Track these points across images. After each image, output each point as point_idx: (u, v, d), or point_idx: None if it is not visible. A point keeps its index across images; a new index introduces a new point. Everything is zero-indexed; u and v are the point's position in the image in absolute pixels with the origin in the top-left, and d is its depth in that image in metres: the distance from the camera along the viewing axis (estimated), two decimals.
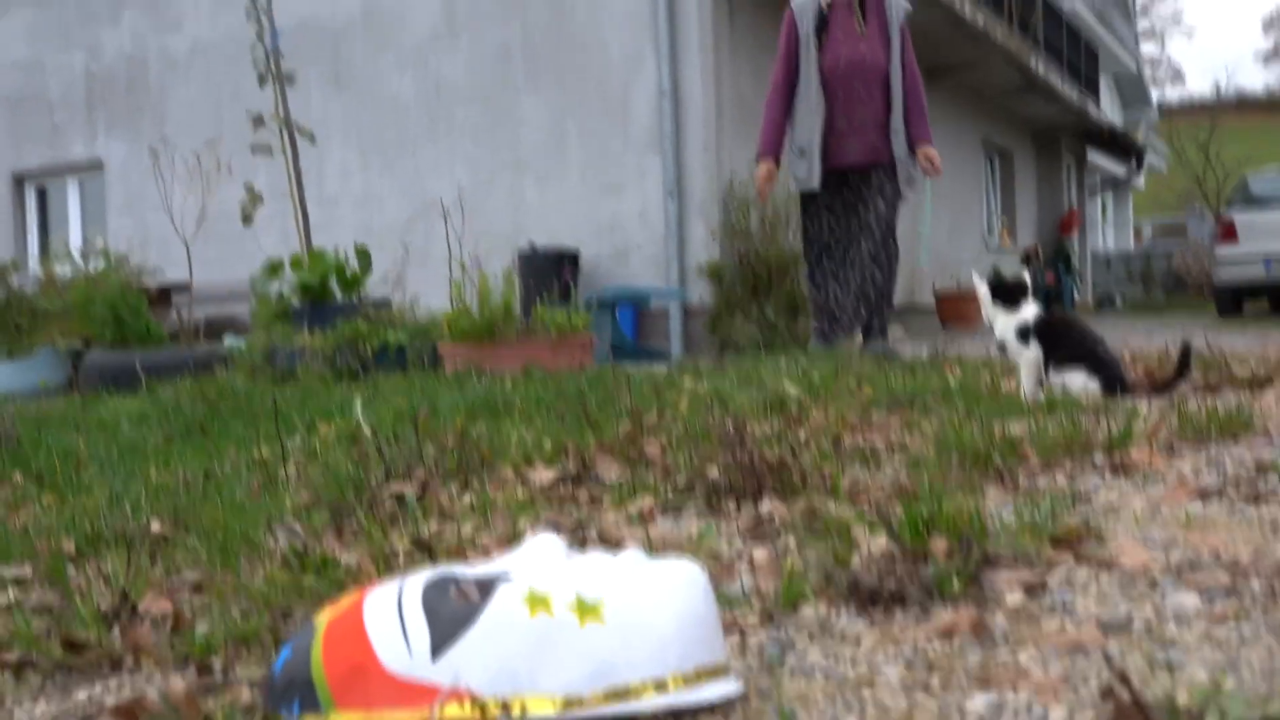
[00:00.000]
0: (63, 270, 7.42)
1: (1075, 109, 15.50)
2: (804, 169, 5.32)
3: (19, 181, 11.97)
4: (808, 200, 5.43)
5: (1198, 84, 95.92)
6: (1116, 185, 22.80)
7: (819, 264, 5.43)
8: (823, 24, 5.29)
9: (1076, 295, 17.67)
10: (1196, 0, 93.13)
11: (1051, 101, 14.72)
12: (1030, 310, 2.78)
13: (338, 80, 9.77)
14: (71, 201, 11.84)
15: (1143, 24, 47.82)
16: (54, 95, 11.52)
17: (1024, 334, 2.78)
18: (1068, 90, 14.72)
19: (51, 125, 11.55)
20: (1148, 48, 51.33)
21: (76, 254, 7.76)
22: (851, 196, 5.35)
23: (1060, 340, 2.74)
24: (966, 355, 5.19)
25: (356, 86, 9.71)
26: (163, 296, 8.02)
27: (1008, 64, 12.31)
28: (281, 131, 5.77)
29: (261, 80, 5.87)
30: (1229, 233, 11.78)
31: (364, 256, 5.76)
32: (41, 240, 12.02)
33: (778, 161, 5.42)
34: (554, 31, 8.81)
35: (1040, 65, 13.25)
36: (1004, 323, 2.82)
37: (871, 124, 5.28)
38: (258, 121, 5.67)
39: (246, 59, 6.25)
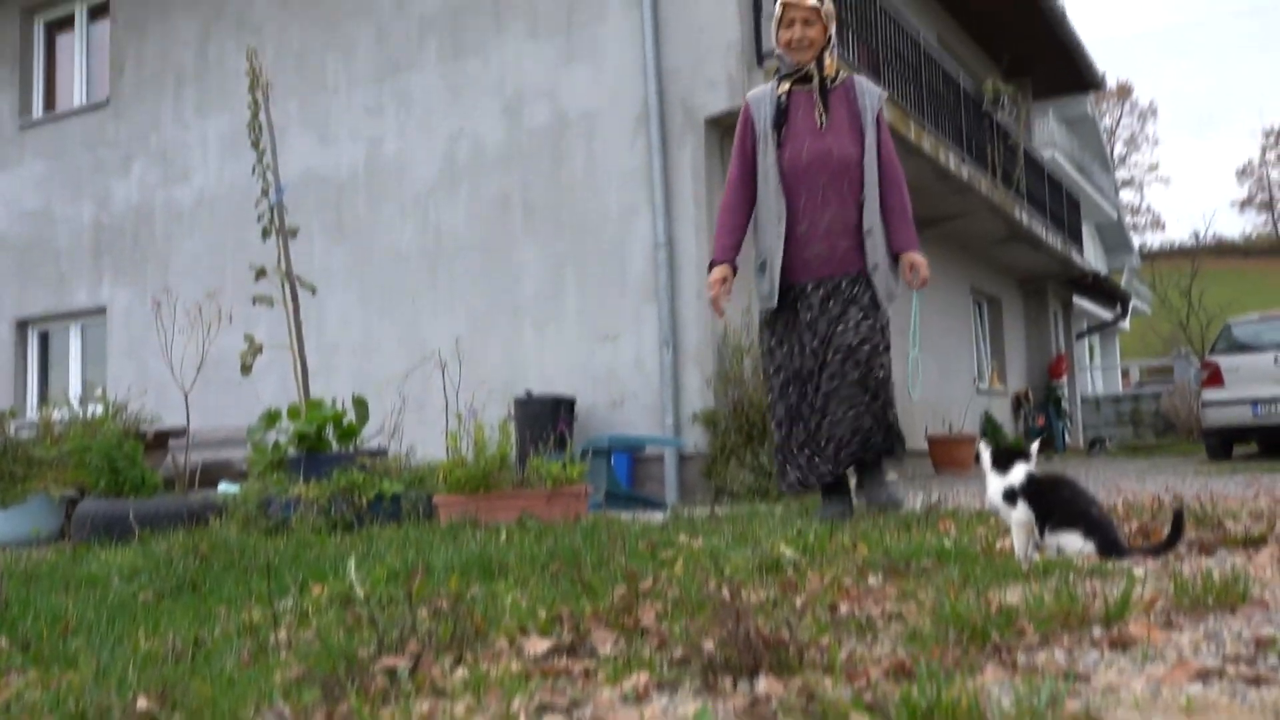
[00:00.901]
0: (61, 414, 7.45)
1: (1060, 257, 15.82)
2: (766, 285, 4.55)
3: (22, 326, 12.10)
4: (768, 321, 4.60)
5: (1177, 230, 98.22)
6: (1103, 329, 23.10)
7: (782, 398, 4.52)
8: (781, 116, 4.55)
9: (1068, 438, 17.72)
10: (1172, 151, 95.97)
11: (1037, 250, 15.04)
12: (1018, 473, 2.80)
13: (340, 229, 9.98)
14: (73, 346, 11.95)
15: (1121, 173, 49.20)
16: (62, 243, 11.75)
17: (1010, 496, 2.80)
18: (1052, 239, 15.06)
19: (58, 273, 11.75)
20: (1127, 195, 52.68)
21: (75, 400, 7.80)
22: (823, 315, 4.47)
23: (1053, 501, 2.75)
24: (961, 505, 5.19)
25: (358, 236, 9.91)
26: (159, 441, 8.02)
27: (993, 214, 12.62)
28: (283, 283, 5.88)
29: (265, 234, 6.01)
30: (1214, 377, 11.90)
31: (361, 406, 5.79)
32: (42, 383, 12.09)
33: (734, 267, 4.64)
34: (552, 183, 9.05)
35: (1024, 215, 13.58)
36: (994, 486, 2.85)
37: (841, 228, 4.47)
38: (260, 273, 5.78)
39: (251, 209, 6.40)
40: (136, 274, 11.14)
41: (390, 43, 9.93)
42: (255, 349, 5.68)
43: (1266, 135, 71.34)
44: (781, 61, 4.62)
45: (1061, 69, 17.60)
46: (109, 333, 11.32)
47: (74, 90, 12.33)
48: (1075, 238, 17.06)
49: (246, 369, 5.74)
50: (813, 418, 4.44)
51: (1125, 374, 29.51)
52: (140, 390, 8.69)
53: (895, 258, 4.55)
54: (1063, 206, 16.37)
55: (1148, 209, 62.42)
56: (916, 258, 4.54)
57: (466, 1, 9.55)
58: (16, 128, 12.27)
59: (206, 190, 10.82)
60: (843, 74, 4.62)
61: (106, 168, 11.53)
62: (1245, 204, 68.28)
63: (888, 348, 4.49)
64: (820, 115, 4.51)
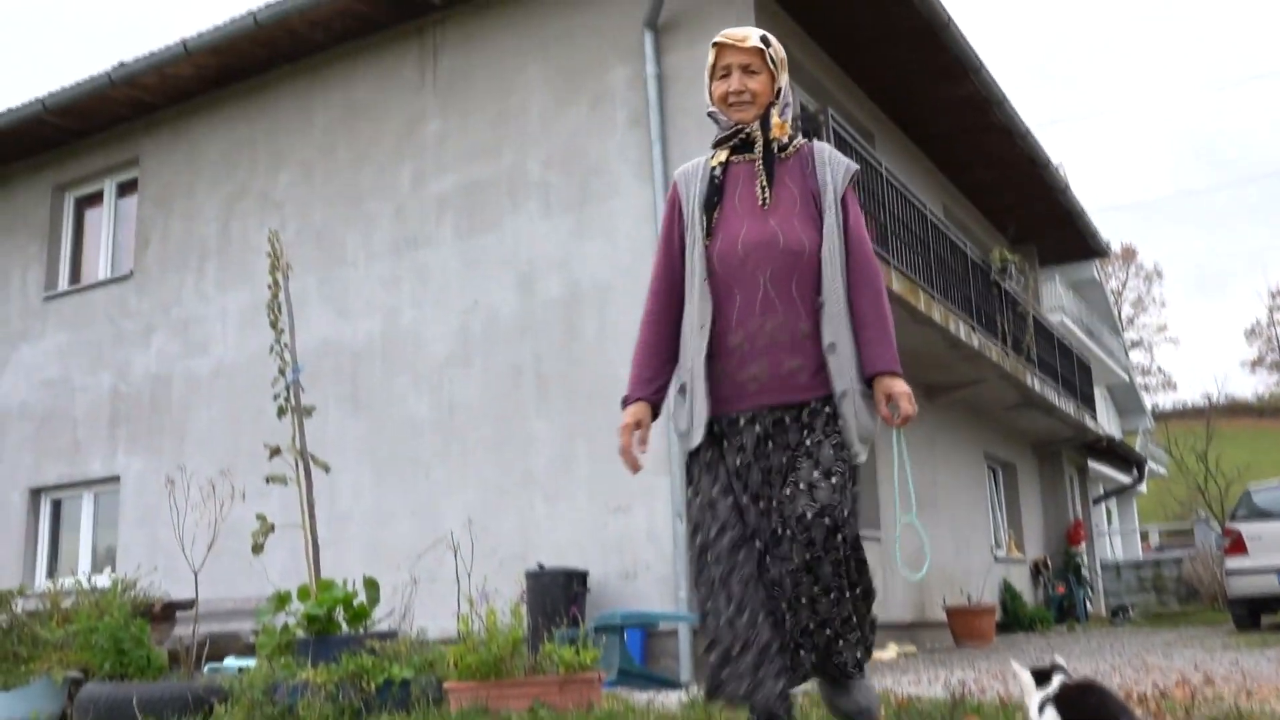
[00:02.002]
0: (69, 583, 7.39)
1: (1073, 422, 15.82)
2: (685, 416, 3.32)
3: (36, 494, 12.13)
4: (692, 464, 3.34)
5: (1189, 390, 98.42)
6: (1120, 493, 22.90)
7: (713, 565, 3.16)
8: (714, 194, 3.38)
9: (1089, 606, 17.37)
10: (1179, 312, 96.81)
11: (1050, 415, 15.06)
12: (1056, 682, 2.76)
13: (355, 400, 10.07)
14: (85, 514, 11.94)
15: (1130, 334, 49.64)
16: (79, 413, 11.86)
17: (1041, 707, 2.75)
18: (1064, 404, 15.09)
19: (74, 441, 11.83)
20: (1137, 356, 53.05)
21: (85, 570, 7.72)
22: (760, 462, 3.21)
23: (1085, 710, 2.68)
24: (986, 690, 5.05)
25: (373, 406, 9.99)
26: (166, 614, 7.93)
27: (1005, 381, 12.69)
28: (298, 462, 5.90)
29: (281, 412, 6.07)
30: (1237, 546, 11.74)
31: (372, 588, 5.73)
32: (52, 552, 12.07)
33: (655, 408, 3.42)
34: (565, 354, 9.16)
35: (1036, 382, 13.66)
36: (1031, 699, 2.82)
37: (788, 341, 3.22)
38: (274, 452, 5.81)
39: (267, 379, 6.46)
40: (151, 443, 11.20)
41: (408, 219, 10.20)
42: (267, 529, 5.66)
43: (1273, 296, 72.11)
44: (718, 123, 3.46)
45: (1067, 237, 17.96)
46: (121, 501, 11.31)
47: (99, 263, 12.65)
48: (1088, 402, 17.10)
49: (258, 549, 5.71)
50: (748, 606, 3.12)
51: (1145, 538, 29.11)
52: (150, 564, 8.62)
53: (869, 383, 3.23)
54: (1074, 371, 16.46)
55: (1158, 370, 62.64)
56: (895, 385, 3.19)
57: (482, 180, 9.85)
58: (42, 300, 12.54)
59: (224, 361, 10.97)
60: (798, 140, 3.45)
61: (127, 339, 11.72)
62: (1256, 364, 68.60)
63: (856, 514, 3.16)
64: (762, 190, 3.34)
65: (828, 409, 3.22)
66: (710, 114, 3.48)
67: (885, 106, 12.39)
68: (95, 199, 12.95)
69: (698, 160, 3.51)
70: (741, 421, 3.24)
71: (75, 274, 12.84)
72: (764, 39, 3.38)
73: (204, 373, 11.09)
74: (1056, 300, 21.41)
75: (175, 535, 6.28)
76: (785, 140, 3.41)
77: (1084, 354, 18.66)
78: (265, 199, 11.15)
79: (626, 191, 9.15)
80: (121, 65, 11.29)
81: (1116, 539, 25.65)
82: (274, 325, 6.00)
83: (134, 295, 11.85)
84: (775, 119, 3.42)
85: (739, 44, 3.36)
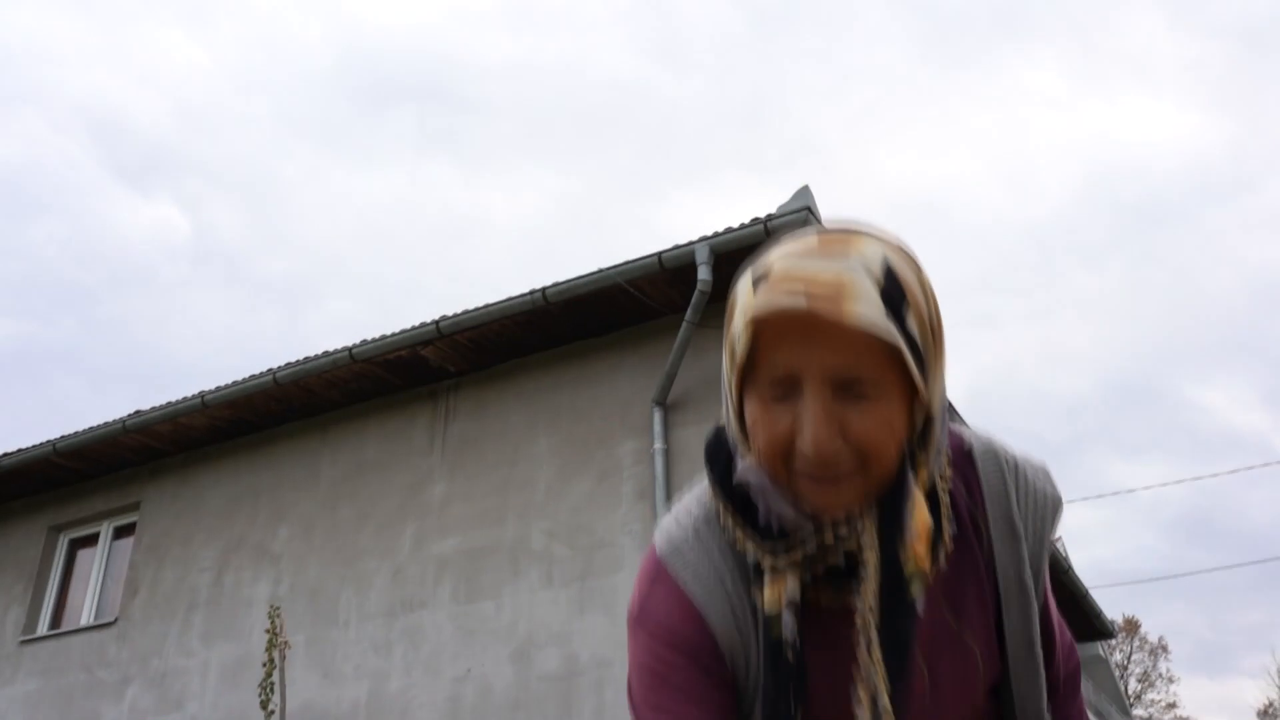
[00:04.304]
0: None
1: None
2: None
3: None
4: None
5: None
6: None
7: None
8: (790, 679, 1.09)
9: None
10: (1189, 689, 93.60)
11: None
12: None
13: None
14: None
15: (1139, 712, 47.91)
16: None
17: None
18: None
19: None
20: None
21: None
22: None
23: None
24: None
25: None
26: None
27: None
28: None
29: None
30: None
31: None
32: None
33: None
34: None
35: None
36: None
37: None
38: None
39: None
40: None
41: (405, 581, 10.02)
42: None
43: None
44: (765, 499, 1.12)
45: (1072, 619, 17.65)
46: None
47: (84, 608, 12.31)
48: None
49: None
50: None
51: None
52: None
53: None
54: None
55: None
56: None
57: (484, 546, 9.75)
58: (17, 644, 12.10)
59: (198, 719, 10.42)
60: (948, 528, 1.17)
61: (99, 690, 11.20)
62: None
63: None
64: (873, 703, 1.08)
65: None
66: (743, 475, 1.17)
67: None
68: (90, 541, 12.78)
69: (715, 571, 1.21)
70: None
71: (57, 618, 12.45)
72: (888, 296, 1.06)
73: None
74: None
75: None
76: (938, 550, 1.18)
77: None
78: (262, 552, 11.00)
79: (629, 565, 9.03)
80: (137, 414, 11.48)
81: None
82: (264, 706, 5.71)
83: (114, 644, 11.43)
84: (916, 501, 1.12)
85: (828, 317, 1.03)
